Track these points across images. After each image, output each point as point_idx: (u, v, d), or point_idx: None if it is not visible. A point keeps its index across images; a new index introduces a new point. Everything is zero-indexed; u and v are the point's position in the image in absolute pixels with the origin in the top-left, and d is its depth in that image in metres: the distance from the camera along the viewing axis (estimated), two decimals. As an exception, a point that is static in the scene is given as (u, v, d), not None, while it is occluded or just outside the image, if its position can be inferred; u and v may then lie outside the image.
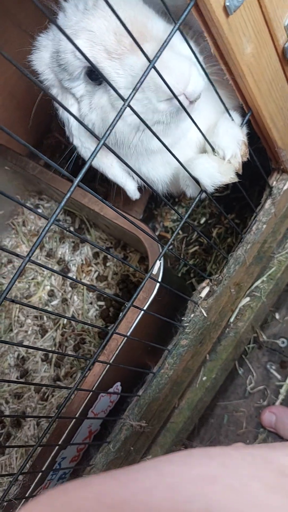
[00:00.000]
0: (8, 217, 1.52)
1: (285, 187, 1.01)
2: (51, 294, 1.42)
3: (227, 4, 0.62)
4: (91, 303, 1.35)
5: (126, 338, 0.94)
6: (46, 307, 1.40)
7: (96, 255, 1.40)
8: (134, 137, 0.75)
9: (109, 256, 1.38)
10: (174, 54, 0.68)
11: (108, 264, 1.37)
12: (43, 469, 0.95)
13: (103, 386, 1.00)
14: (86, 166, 0.61)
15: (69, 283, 1.40)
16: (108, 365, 0.94)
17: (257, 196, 1.26)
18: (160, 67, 0.65)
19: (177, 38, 0.70)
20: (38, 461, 0.97)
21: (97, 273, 1.38)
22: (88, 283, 1.37)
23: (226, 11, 0.63)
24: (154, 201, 1.43)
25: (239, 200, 1.31)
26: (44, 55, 0.79)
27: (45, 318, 1.40)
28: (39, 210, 1.50)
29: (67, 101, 0.81)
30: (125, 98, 0.61)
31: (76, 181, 0.61)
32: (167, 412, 1.13)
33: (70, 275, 1.40)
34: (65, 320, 1.36)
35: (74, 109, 0.82)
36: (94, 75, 0.74)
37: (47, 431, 0.81)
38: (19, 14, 1.38)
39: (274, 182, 1.01)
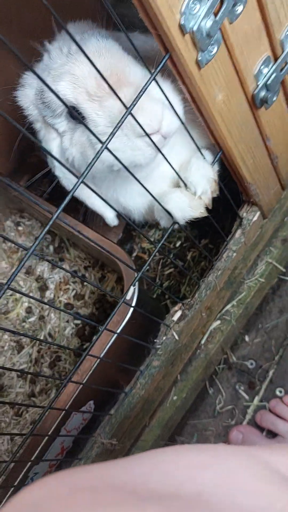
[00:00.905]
0: (-11, 233, 1.55)
1: (254, 218, 1.08)
2: (29, 310, 1.45)
3: (199, 58, 0.68)
4: (67, 321, 1.38)
5: (99, 359, 0.98)
6: (24, 324, 1.43)
7: (74, 273, 1.44)
8: (111, 174, 0.80)
9: (87, 275, 1.42)
10: (148, 98, 0.73)
11: (85, 283, 1.41)
12: (15, 484, 0.97)
13: (77, 404, 1.03)
14: (65, 202, 0.66)
15: (46, 300, 1.43)
16: (81, 385, 0.97)
17: (230, 222, 1.32)
18: (136, 109, 0.70)
19: (153, 83, 0.76)
20: (11, 475, 0.99)
21: (74, 291, 1.42)
22: (66, 301, 1.40)
23: (199, 64, 0.69)
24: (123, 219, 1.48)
25: (212, 225, 1.37)
26: (29, 92, 0.84)
27: (22, 334, 1.42)
28: (20, 228, 1.54)
29: (50, 135, 0.86)
30: (103, 140, 0.66)
31: (55, 215, 0.66)
32: (138, 430, 1.16)
33: (48, 292, 1.44)
34: (42, 337, 1.39)
35: (56, 142, 0.86)
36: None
37: (20, 448, 0.84)
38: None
39: (244, 214, 1.07)
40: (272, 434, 1.24)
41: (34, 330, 1.41)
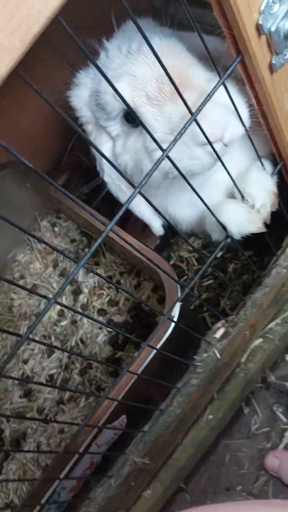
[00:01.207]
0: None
1: (308, 234, 1.01)
2: (61, 314, 1.41)
3: (273, 62, 0.62)
4: (100, 328, 1.34)
5: (136, 375, 0.93)
6: (55, 327, 1.39)
7: (109, 278, 1.40)
8: (164, 182, 0.75)
9: (122, 281, 1.37)
10: (212, 103, 0.68)
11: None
12: (44, 499, 0.93)
13: (109, 419, 0.99)
14: (120, 213, 0.61)
15: (79, 304, 1.39)
16: (117, 402, 0.93)
17: (277, 236, 1.25)
18: (198, 115, 0.65)
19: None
20: (39, 491, 0.95)
21: (109, 297, 1.37)
22: (99, 307, 1.36)
23: (272, 68, 0.63)
24: (170, 230, 1.42)
25: (257, 236, 1.30)
26: (83, 92, 0.79)
27: (53, 338, 1.39)
28: (56, 229, 1.51)
29: (101, 137, 0.81)
30: (164, 148, 0.61)
31: (109, 227, 0.61)
32: (171, 449, 1.11)
33: (81, 296, 1.40)
34: (73, 342, 1.35)
35: (108, 146, 0.82)
36: (131, 118, 0.74)
37: (53, 466, 0.80)
38: (67, 53, 1.39)
39: (298, 228, 1.01)
40: (311, 462, 1.16)
41: (66, 335, 1.37)
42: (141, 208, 0.87)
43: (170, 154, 0.70)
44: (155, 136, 0.70)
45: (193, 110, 0.61)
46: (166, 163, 0.72)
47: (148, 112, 0.70)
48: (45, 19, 0.40)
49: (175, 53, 0.71)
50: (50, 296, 1.42)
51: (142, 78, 0.69)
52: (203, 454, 1.23)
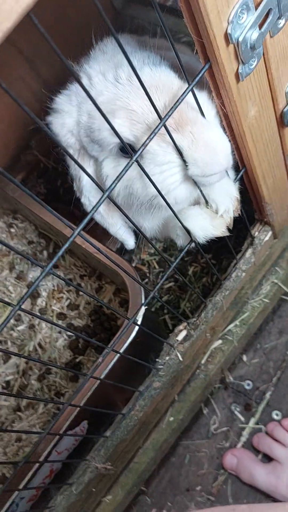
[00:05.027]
0: (-22, 234, 1.46)
1: (266, 238, 1.04)
2: (18, 318, 1.37)
3: (240, 71, 0.63)
4: (59, 332, 1.32)
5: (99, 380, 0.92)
6: (12, 332, 1.35)
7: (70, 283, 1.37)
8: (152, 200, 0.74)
9: (82, 284, 1.35)
10: (218, 134, 0.69)
11: (81, 292, 1.35)
12: (2, 511, 0.90)
13: (70, 425, 0.97)
14: (88, 218, 0.60)
15: (38, 308, 1.36)
16: (79, 408, 0.91)
17: (234, 239, 1.28)
18: (209, 149, 0.66)
19: (208, 107, 0.71)
20: (-4, 502, 0.92)
21: (68, 301, 1.35)
22: (59, 311, 1.33)
23: (238, 77, 0.64)
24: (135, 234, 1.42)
25: (216, 240, 1.33)
26: (67, 121, 0.76)
27: (9, 342, 1.35)
28: (12, 230, 1.46)
29: (84, 163, 0.79)
30: (133, 156, 0.60)
31: (77, 230, 0.60)
32: (132, 453, 1.11)
33: (39, 300, 1.37)
34: (31, 347, 1.32)
35: (90, 170, 0.79)
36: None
37: (12, 478, 0.78)
38: (19, 40, 1.36)
39: (256, 233, 1.03)
40: (267, 458, 1.20)
41: (23, 340, 1.33)
42: (115, 228, 0.86)
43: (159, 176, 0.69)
44: (157, 159, 0.69)
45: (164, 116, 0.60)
46: (150, 190, 0.71)
47: (152, 142, 0.67)
48: (17, 15, 0.38)
49: (169, 84, 0.69)
50: (6, 299, 1.38)
51: (141, 112, 0.68)
52: (163, 456, 1.24)
